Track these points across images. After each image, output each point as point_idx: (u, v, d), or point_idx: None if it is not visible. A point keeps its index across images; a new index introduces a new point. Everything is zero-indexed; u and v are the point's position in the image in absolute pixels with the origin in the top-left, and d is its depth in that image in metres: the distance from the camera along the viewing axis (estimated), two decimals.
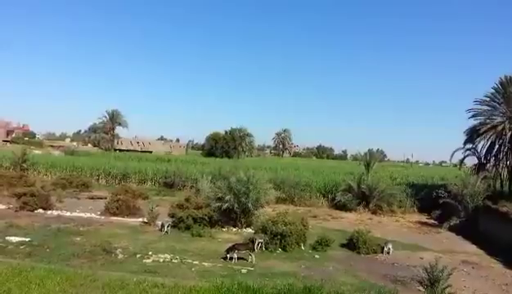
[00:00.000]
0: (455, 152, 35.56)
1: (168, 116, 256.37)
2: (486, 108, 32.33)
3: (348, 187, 35.71)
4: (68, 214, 25.39)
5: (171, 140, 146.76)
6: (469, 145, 33.93)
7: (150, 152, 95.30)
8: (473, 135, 32.42)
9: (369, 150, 44.43)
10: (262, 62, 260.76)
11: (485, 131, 30.93)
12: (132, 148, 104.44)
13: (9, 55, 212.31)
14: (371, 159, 39.77)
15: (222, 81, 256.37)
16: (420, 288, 13.96)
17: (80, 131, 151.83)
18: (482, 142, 32.53)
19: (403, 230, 27.84)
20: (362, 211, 33.93)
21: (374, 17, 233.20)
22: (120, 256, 16.43)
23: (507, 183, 31.55)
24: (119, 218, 24.98)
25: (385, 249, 20.15)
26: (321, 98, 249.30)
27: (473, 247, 23.08)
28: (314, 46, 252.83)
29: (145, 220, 23.92)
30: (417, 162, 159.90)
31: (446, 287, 12.66)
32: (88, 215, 25.46)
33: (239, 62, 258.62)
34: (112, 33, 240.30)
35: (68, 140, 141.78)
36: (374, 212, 33.76)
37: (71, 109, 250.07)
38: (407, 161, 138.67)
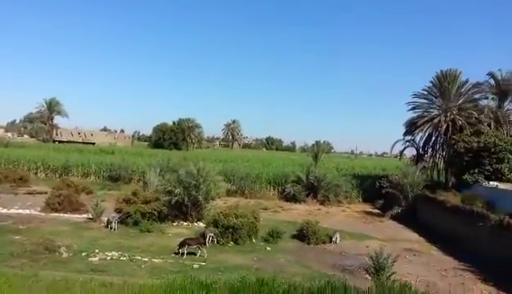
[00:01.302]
0: (395, 143, 37.56)
1: (111, 106, 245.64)
2: (424, 101, 34.38)
3: (297, 178, 36.47)
4: (5, 211, 23.72)
5: (115, 131, 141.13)
6: (408, 137, 35.99)
7: (93, 143, 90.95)
8: (411, 127, 34.33)
9: (316, 142, 45.75)
10: (211, 51, 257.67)
11: (423, 124, 32.89)
12: (72, 139, 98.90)
13: None
14: (319, 151, 40.93)
15: (168, 70, 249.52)
16: (367, 276, 14.62)
17: (15, 120, 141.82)
18: (420, 134, 34.65)
19: (349, 220, 28.97)
20: (311, 202, 34.83)
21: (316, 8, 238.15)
22: (64, 255, 15.63)
23: (443, 173, 33.79)
24: (62, 214, 23.73)
25: (333, 239, 20.87)
26: (271, 89, 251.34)
27: (414, 235, 24.54)
28: (262, 35, 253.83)
29: (90, 215, 22.92)
30: (361, 153, 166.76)
31: (391, 274, 13.32)
32: (28, 211, 23.95)
33: (186, 51, 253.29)
34: (49, 15, 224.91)
35: (1, 130, 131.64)
36: (322, 203, 34.80)
37: (4, 97, 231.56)
38: (352, 152, 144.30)
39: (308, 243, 20.51)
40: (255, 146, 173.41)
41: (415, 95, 34.61)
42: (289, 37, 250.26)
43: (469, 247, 20.08)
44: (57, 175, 40.43)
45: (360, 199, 37.79)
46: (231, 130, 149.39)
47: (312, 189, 35.61)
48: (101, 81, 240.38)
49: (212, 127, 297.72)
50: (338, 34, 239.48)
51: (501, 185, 24.33)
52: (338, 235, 21.14)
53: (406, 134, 35.69)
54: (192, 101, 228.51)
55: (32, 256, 15.05)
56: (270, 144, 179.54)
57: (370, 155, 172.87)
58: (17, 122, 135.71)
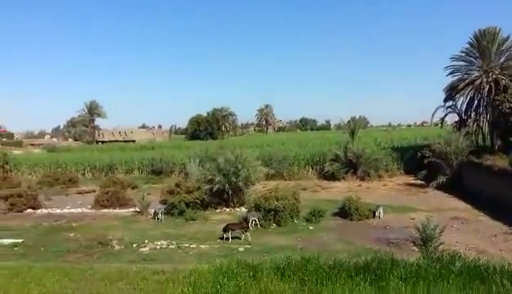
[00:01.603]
0: (436, 110, 36.07)
1: (147, 103, 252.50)
2: (463, 63, 32.73)
3: (334, 156, 36.08)
4: (58, 211, 25.13)
5: (153, 127, 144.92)
6: (449, 103, 34.45)
7: (133, 141, 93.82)
8: (452, 92, 32.86)
9: (352, 118, 44.89)
10: (238, 40, 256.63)
11: (463, 87, 31.38)
12: (114, 138, 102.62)
13: None
14: (355, 127, 40.14)
15: (199, 61, 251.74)
16: (414, 248, 14.38)
17: (59, 126, 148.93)
18: (461, 98, 33.07)
19: (392, 193, 28.43)
20: (351, 179, 34.42)
21: None
22: (116, 248, 16.41)
23: (488, 136, 32.28)
24: (111, 210, 24.83)
25: (376, 214, 20.61)
26: (300, 71, 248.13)
27: (460, 203, 23.77)
28: (287, 21, 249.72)
29: (137, 209, 23.84)
30: (399, 125, 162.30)
31: (440, 245, 13.04)
32: (79, 210, 25.28)
33: (215, 40, 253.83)
34: (82, 22, 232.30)
35: (47, 136, 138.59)
36: (362, 179, 34.30)
37: (47, 105, 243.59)
38: (389, 125, 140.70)
39: (351, 220, 20.37)
40: (289, 129, 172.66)
41: (453, 58, 33.02)
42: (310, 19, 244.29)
43: None
44: (103, 174, 42.37)
45: (401, 172, 36.87)
46: (265, 115, 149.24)
47: (351, 166, 35.12)
48: (135, 79, 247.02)
49: (245, 114, 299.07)
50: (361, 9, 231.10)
51: None
52: (381, 209, 20.85)
53: (446, 100, 34.23)
54: (224, 90, 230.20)
55: (87, 250, 15.93)
56: (304, 124, 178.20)
57: (409, 126, 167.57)
58: (61, 127, 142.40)
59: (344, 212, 20.93)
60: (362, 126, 46.30)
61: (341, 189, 30.46)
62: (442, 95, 34.42)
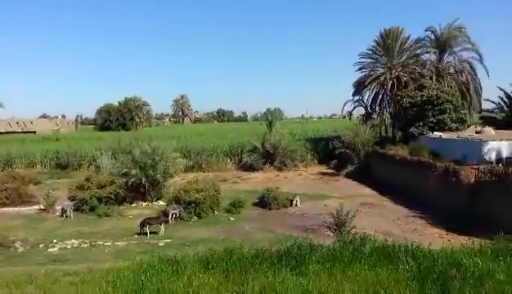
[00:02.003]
0: (345, 104, 38.54)
1: (48, 91, 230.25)
2: (370, 60, 35.35)
3: (253, 148, 36.71)
4: None
5: (56, 117, 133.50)
6: (356, 97, 36.99)
7: (34, 132, 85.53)
8: (360, 86, 35.38)
9: (267, 110, 46.01)
10: (152, 27, 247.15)
11: (370, 82, 33.96)
12: (11, 130, 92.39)
13: None
14: (273, 118, 41.17)
15: (108, 48, 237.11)
16: (329, 233, 15.23)
17: None
18: (367, 93, 35.75)
19: (307, 183, 29.81)
20: (269, 170, 35.34)
21: None
22: (20, 249, 14.91)
23: (390, 128, 35.37)
24: (11, 208, 22.51)
25: (294, 202, 21.45)
26: (217, 61, 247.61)
27: (368, 190, 25.78)
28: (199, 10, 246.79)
29: (42, 206, 21.88)
30: (311, 117, 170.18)
31: (352, 228, 13.96)
32: None
33: (125, 27, 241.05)
34: None
35: None
36: (279, 169, 35.41)
37: None
38: (303, 117, 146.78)
39: (270, 209, 20.95)
40: (206, 120, 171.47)
41: (362, 56, 35.50)
42: (234, 9, 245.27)
43: (418, 197, 21.37)
44: (0, 169, 37.89)
45: (315, 161, 38.78)
46: (181, 105, 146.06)
47: (269, 157, 36.06)
48: (34, 66, 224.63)
49: (160, 105, 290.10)
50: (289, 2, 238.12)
51: (444, 135, 25.91)
52: (298, 198, 21.75)
53: (354, 94, 36.73)
54: (137, 80, 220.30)
55: None
56: (221, 116, 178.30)
57: (320, 118, 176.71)
58: None
59: (264, 202, 21.43)
60: (279, 118, 47.47)
61: (260, 180, 31.11)
62: (350, 90, 36.87)
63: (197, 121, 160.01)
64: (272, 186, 23.12)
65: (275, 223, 18.26)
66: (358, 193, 24.78)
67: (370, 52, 34.98)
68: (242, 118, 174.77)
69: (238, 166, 37.54)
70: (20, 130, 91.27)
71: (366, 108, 37.12)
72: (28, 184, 27.95)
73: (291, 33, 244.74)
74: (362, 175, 29.42)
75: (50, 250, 14.85)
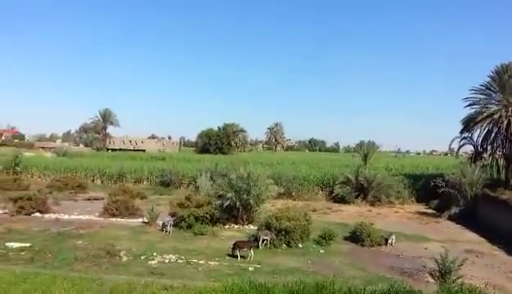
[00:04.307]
0: (453, 141, 35.76)
1: (157, 113, 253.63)
2: (482, 96, 32.43)
3: (345, 179, 35.72)
4: (66, 217, 25.00)
5: (163, 138, 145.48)
6: (465, 134, 34.03)
7: (143, 150, 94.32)
8: (469, 123, 32.49)
9: (361, 142, 44.68)
10: (251, 59, 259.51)
11: (481, 120, 31.02)
12: (124, 147, 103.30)
13: None
14: (368, 151, 39.84)
15: (211, 75, 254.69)
16: (430, 279, 13.98)
17: (70, 131, 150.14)
18: (478, 131, 32.65)
19: (403, 221, 27.92)
20: (361, 204, 33.97)
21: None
22: (125, 259, 16.17)
23: (503, 170, 31.74)
24: (119, 219, 24.67)
25: (389, 241, 20.15)
26: (311, 91, 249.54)
27: (474, 236, 23.22)
28: (299, 39, 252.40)
29: (146, 220, 23.66)
30: (407, 152, 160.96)
31: (457, 278, 12.63)
32: (87, 217, 25.11)
33: (230, 56, 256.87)
34: (100, 31, 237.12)
35: (59, 140, 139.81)
36: (372, 204, 33.84)
37: (60, 109, 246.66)
38: (398, 151, 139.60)
39: (363, 245, 19.96)
40: (298, 148, 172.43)
41: (474, 91, 32.80)
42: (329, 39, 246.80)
43: None
44: (112, 182, 42.34)
45: (413, 199, 36.37)
46: (274, 133, 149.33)
47: (362, 190, 34.73)
48: (146, 89, 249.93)
49: (255, 131, 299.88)
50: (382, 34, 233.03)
51: None
52: (393, 237, 20.40)
53: (463, 131, 33.83)
54: (235, 106, 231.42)
55: (95, 260, 15.70)
56: (313, 145, 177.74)
57: (418, 153, 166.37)
58: (72, 132, 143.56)
59: (356, 237, 20.53)
60: (374, 151, 45.74)
61: (351, 213, 30.03)
62: (454, 125, 34.13)
63: (289, 148, 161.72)
64: (365, 221, 22.10)
65: (367, 261, 17.31)
66: (463, 239, 22.44)
67: (484, 88, 32.12)
68: (334, 149, 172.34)
69: (329, 197, 36.76)
70: (132, 148, 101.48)
71: (475, 146, 33.93)
72: (135, 198, 30.63)
73: (388, 64, 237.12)
74: (468, 219, 26.65)
75: (150, 262, 15.87)
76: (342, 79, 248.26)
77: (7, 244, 17.49)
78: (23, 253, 16.48)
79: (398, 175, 39.15)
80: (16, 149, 53.97)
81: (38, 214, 25.09)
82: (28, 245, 17.53)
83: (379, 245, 20.11)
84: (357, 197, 34.64)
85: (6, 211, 25.24)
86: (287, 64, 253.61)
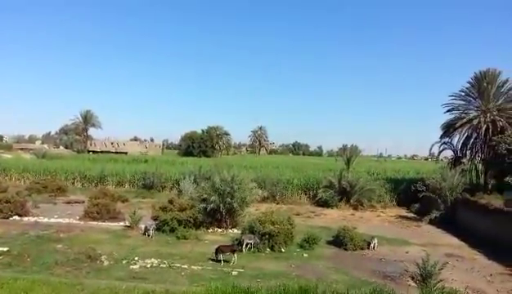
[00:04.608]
0: (433, 146, 36.50)
1: (139, 116, 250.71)
2: (461, 102, 33.24)
3: (329, 183, 36.00)
4: (45, 220, 24.46)
5: (145, 140, 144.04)
6: (445, 139, 34.76)
7: (125, 153, 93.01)
8: (449, 129, 33.25)
9: (344, 146, 45.19)
10: (235, 60, 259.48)
11: (461, 125, 31.77)
12: (105, 149, 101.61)
13: None
14: (351, 155, 40.27)
15: (194, 78, 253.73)
16: (411, 283, 14.17)
17: (50, 132, 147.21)
18: (457, 136, 33.42)
19: (385, 225, 28.29)
20: (344, 207, 34.28)
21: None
22: (106, 263, 15.90)
23: (482, 175, 32.52)
24: (100, 223, 24.27)
25: (371, 244, 20.38)
26: (294, 95, 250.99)
27: (454, 240, 23.66)
28: (283, 40, 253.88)
29: (128, 223, 23.35)
30: (389, 156, 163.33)
31: (439, 282, 12.83)
32: (67, 220, 24.57)
33: (212, 59, 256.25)
34: (78, 30, 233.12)
35: (38, 142, 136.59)
36: (355, 208, 34.18)
37: (39, 110, 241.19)
38: (381, 155, 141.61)
39: (346, 249, 20.11)
40: (282, 151, 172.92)
41: (453, 97, 33.59)
42: (314, 42, 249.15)
43: None
44: (93, 185, 41.62)
45: (394, 203, 36.94)
46: (258, 136, 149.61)
47: (345, 194, 35.05)
48: (129, 91, 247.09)
49: (238, 134, 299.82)
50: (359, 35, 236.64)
51: None
52: (375, 240, 20.64)
53: (442, 136, 34.61)
54: (219, 109, 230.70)
55: (75, 264, 15.40)
56: (296, 149, 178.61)
57: (400, 158, 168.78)
58: (52, 133, 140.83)
59: (339, 241, 20.69)
60: (357, 155, 46.31)
61: (334, 217, 30.27)
62: (434, 130, 34.91)
63: (272, 152, 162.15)
64: (348, 225, 22.30)
65: (350, 265, 17.45)
66: (443, 243, 22.84)
67: (463, 94, 32.93)
68: (317, 153, 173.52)
69: (312, 201, 36.97)
70: (113, 150, 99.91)
71: (455, 151, 34.70)
72: (116, 201, 30.20)
73: (372, 69, 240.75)
74: (448, 223, 27.18)
75: (132, 267, 15.65)
76: (327, 81, 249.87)
77: None
78: (0, 257, 16.04)
79: (380, 179, 39.66)
80: None
81: (16, 217, 24.51)
82: (5, 249, 17.05)
83: (362, 249, 20.31)
84: (340, 200, 34.93)
85: None
86: (272, 64, 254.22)
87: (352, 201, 34.74)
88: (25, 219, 24.52)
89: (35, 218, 24.84)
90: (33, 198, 31.32)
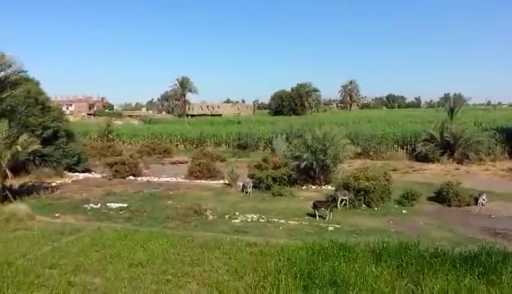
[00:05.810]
0: None
1: (231, 78, 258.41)
2: None
3: (429, 136, 33.80)
4: (156, 179, 27.08)
5: (237, 102, 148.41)
6: None
7: (220, 115, 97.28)
8: None
9: (445, 95, 41.54)
10: (323, 12, 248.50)
11: None
12: (202, 112, 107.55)
13: (82, 32, 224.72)
14: (455, 105, 36.90)
15: (281, 37, 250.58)
16: None
17: (153, 99, 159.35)
18: None
19: (495, 179, 25.92)
20: (446, 162, 32.03)
21: None
22: (210, 217, 17.23)
23: None
24: (202, 181, 26.12)
25: (479, 200, 18.89)
26: (385, 44, 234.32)
27: None
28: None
29: (226, 181, 24.75)
30: (500, 103, 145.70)
31: None
32: (175, 179, 26.90)
33: (299, 15, 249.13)
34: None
35: (143, 109, 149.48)
36: (460, 162, 31.74)
37: (142, 79, 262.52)
38: (489, 103, 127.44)
39: (449, 205, 18.97)
40: (375, 105, 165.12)
41: None
42: None
43: None
44: (194, 146, 44.78)
45: (506, 156, 33.49)
46: (349, 91, 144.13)
47: (448, 148, 32.62)
48: (220, 56, 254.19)
49: (328, 90, 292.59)
50: None
51: None
52: (484, 196, 19.06)
53: None
54: (309, 65, 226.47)
55: (184, 218, 16.94)
56: (391, 102, 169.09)
57: None
58: (154, 100, 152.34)
59: (441, 197, 19.53)
60: (461, 104, 42.20)
61: (435, 172, 28.55)
62: None
63: (365, 107, 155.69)
64: (452, 180, 20.89)
65: (455, 222, 16.49)
66: None
67: None
68: (415, 104, 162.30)
69: (410, 155, 35.17)
70: (209, 113, 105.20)
71: None
72: (215, 160, 32.18)
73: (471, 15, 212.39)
74: None
75: (233, 221, 16.72)
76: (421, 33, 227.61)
77: (108, 204, 19.55)
78: (121, 212, 18.31)
79: (489, 129, 36.03)
80: (108, 118, 58.71)
81: (131, 177, 27.49)
82: (125, 205, 19.41)
83: (468, 205, 18.97)
84: (442, 154, 32.68)
85: (105, 175, 28.02)
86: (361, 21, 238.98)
87: (456, 155, 32.28)
88: (139, 179, 27.41)
89: (147, 178, 27.63)
90: (144, 159, 34.75)
